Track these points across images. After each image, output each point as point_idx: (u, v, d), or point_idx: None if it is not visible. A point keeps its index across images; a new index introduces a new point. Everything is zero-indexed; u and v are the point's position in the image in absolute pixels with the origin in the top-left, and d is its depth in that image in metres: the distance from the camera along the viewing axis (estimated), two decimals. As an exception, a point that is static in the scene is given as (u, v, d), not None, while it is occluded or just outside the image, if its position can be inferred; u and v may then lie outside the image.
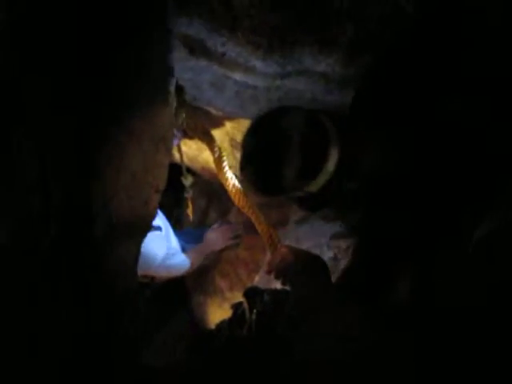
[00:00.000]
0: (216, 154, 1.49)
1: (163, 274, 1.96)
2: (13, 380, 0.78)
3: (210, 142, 1.53)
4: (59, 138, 0.72)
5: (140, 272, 1.88)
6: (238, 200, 1.36)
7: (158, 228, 1.91)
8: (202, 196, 2.39)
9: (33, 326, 0.78)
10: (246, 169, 1.11)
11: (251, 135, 1.10)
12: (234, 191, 1.37)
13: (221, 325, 1.25)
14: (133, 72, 0.92)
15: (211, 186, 2.34)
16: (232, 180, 1.39)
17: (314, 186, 1.05)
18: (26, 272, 0.75)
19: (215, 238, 2.11)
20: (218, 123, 1.88)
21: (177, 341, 1.84)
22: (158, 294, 2.11)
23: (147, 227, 1.14)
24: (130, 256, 1.09)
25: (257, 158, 1.08)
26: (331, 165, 1.01)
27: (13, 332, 0.77)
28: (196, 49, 1.37)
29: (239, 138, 1.95)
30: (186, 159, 1.99)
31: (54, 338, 0.83)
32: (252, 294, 1.21)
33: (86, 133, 0.78)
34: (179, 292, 2.26)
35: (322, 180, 1.03)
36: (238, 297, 1.38)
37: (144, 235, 1.15)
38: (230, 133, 1.93)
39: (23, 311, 0.77)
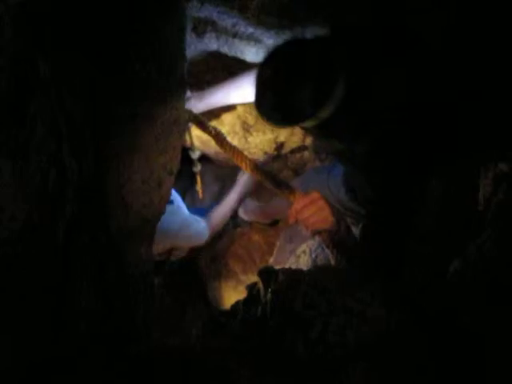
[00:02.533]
0: (212, 132, 1.49)
1: (182, 244, 1.95)
2: (35, 359, 0.80)
3: (203, 126, 1.53)
4: (74, 116, 0.73)
5: (159, 247, 1.91)
6: (245, 166, 1.37)
7: (169, 201, 1.91)
8: (215, 181, 2.40)
9: (49, 307, 0.79)
10: (262, 99, 1.12)
11: (265, 67, 1.10)
12: (239, 159, 1.38)
13: (236, 305, 1.25)
14: (146, 55, 0.92)
15: (224, 171, 2.35)
16: (235, 149, 1.41)
17: (324, 112, 1.04)
18: (43, 252, 0.76)
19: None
20: (230, 107, 1.88)
21: (193, 324, 1.86)
22: (173, 279, 2.13)
23: (161, 209, 1.15)
24: (144, 237, 1.10)
25: (272, 88, 1.09)
26: (340, 89, 1.01)
27: (32, 314, 0.78)
28: (207, 31, 1.37)
29: (251, 120, 1.96)
30: (199, 144, 2.00)
31: (69, 319, 0.84)
32: (266, 273, 1.21)
33: (101, 112, 0.78)
34: (195, 277, 2.28)
35: (331, 105, 1.03)
36: (252, 279, 1.39)
37: (158, 217, 1.16)
38: (241, 116, 1.93)
39: (41, 292, 0.79)
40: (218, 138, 1.47)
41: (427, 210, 1.14)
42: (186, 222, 1.92)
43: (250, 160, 1.39)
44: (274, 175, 1.39)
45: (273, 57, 1.11)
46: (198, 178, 1.90)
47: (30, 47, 0.66)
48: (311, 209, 1.24)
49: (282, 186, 1.36)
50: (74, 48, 0.71)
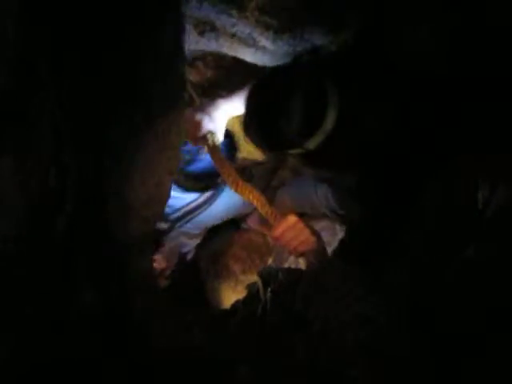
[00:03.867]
0: (210, 141, 1.45)
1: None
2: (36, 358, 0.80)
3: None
4: (74, 115, 0.73)
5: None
6: (236, 187, 1.35)
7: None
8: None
9: (50, 305, 0.79)
10: (250, 126, 1.13)
11: (255, 93, 1.11)
12: (231, 179, 1.36)
13: (236, 305, 1.25)
14: (145, 55, 0.92)
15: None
16: (227, 166, 1.38)
17: (312, 144, 1.05)
18: (43, 252, 0.76)
19: None
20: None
21: (193, 323, 1.86)
22: (172, 282, 2.13)
23: (161, 208, 1.15)
24: (144, 237, 1.10)
25: (260, 115, 1.10)
26: (329, 123, 1.02)
27: (33, 312, 0.78)
28: (206, 31, 1.37)
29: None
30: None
31: (70, 318, 0.84)
32: (266, 273, 1.21)
33: (100, 112, 0.79)
34: (194, 277, 2.28)
35: (319, 138, 1.04)
36: (252, 280, 1.39)
37: (158, 216, 1.16)
38: (241, 115, 1.93)
39: (41, 291, 0.79)
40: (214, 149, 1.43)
41: (425, 213, 1.15)
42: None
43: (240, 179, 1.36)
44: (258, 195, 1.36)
45: (262, 83, 1.11)
46: None
47: (31, 47, 0.67)
48: (291, 233, 1.23)
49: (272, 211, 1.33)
50: (73, 48, 0.72)
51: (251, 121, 1.12)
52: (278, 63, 1.40)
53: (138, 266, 1.05)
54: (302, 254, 1.27)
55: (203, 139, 1.43)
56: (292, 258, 1.75)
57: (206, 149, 1.47)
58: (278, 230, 1.24)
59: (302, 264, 1.67)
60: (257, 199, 1.32)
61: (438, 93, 1.04)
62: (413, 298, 1.02)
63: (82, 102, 0.75)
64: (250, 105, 1.11)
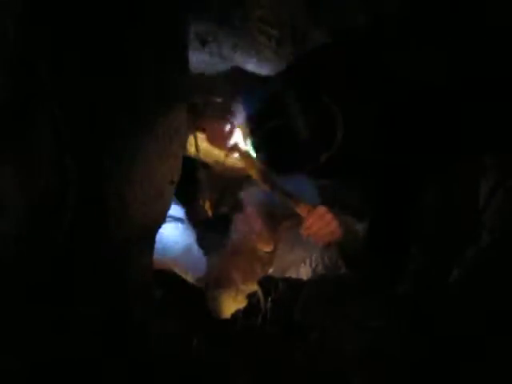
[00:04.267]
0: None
1: (175, 269, 1.94)
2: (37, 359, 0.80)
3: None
4: (74, 118, 0.74)
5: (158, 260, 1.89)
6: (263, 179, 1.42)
7: (180, 220, 1.91)
8: (213, 189, 2.40)
9: (50, 305, 0.79)
10: (267, 151, 1.17)
11: (261, 120, 1.14)
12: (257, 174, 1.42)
13: (236, 314, 1.25)
14: (147, 61, 0.93)
15: (223, 180, 2.35)
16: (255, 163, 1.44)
17: (323, 160, 1.09)
18: (42, 250, 0.76)
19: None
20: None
21: (193, 333, 1.84)
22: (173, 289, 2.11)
23: (162, 217, 1.15)
24: (144, 245, 1.10)
25: (269, 141, 1.13)
26: (339, 139, 1.05)
27: (34, 313, 0.78)
28: (208, 41, 1.38)
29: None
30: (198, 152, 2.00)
31: (70, 321, 0.84)
32: (267, 283, 1.22)
33: (101, 116, 0.79)
34: (194, 286, 2.26)
35: (329, 154, 1.08)
36: (253, 289, 1.39)
37: (158, 225, 1.15)
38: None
39: (40, 290, 0.79)
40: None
41: (424, 217, 1.15)
42: (188, 248, 1.90)
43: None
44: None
45: (261, 120, 1.15)
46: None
47: (31, 47, 0.67)
48: (320, 223, 1.29)
49: (290, 196, 1.40)
50: (73, 48, 0.72)
51: (266, 146, 1.16)
52: (279, 72, 1.41)
53: (138, 267, 1.05)
54: (328, 245, 1.32)
55: (234, 148, 1.50)
56: (293, 268, 1.74)
57: (237, 157, 1.53)
58: (309, 221, 1.30)
59: (303, 274, 1.67)
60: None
61: (438, 99, 1.06)
62: (412, 301, 1.02)
63: (81, 103, 0.75)
64: (259, 131, 1.14)
